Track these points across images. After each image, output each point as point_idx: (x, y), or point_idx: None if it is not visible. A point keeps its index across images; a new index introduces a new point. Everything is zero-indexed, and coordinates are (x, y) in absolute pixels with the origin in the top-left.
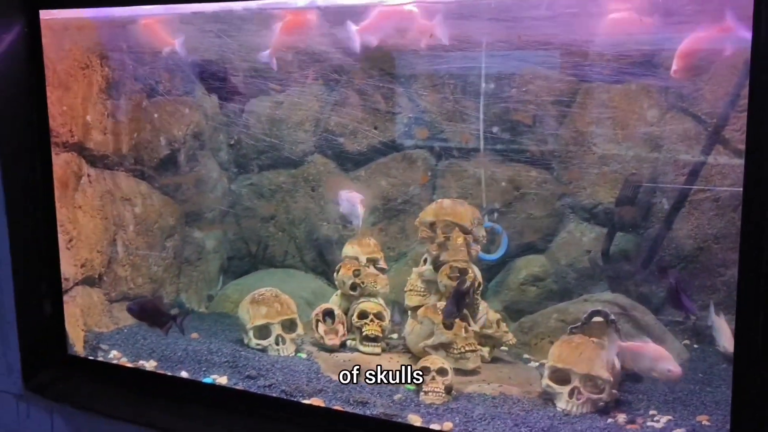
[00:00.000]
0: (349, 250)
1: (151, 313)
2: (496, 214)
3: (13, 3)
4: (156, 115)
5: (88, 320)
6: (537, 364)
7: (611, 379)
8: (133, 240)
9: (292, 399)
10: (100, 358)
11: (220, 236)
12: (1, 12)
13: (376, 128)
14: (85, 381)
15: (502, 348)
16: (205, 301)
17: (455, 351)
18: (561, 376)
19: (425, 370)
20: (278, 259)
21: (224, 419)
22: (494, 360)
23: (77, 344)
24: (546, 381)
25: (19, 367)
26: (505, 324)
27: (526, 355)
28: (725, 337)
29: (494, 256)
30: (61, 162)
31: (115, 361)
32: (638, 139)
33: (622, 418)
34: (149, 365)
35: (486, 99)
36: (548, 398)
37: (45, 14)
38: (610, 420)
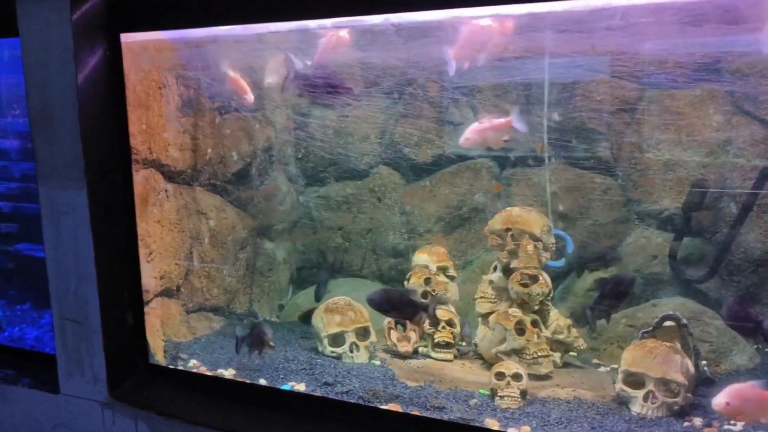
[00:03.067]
0: (419, 258)
1: (397, 304)
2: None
3: (95, 28)
4: (228, 131)
5: (167, 330)
6: (607, 368)
7: (686, 382)
8: (208, 252)
9: (370, 404)
10: (180, 367)
11: (290, 247)
12: (85, 37)
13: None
14: (166, 388)
15: (571, 354)
16: (276, 310)
17: (528, 356)
18: (635, 380)
19: (500, 376)
20: (347, 269)
21: (304, 425)
22: (565, 365)
23: (158, 354)
24: (620, 385)
25: (105, 376)
26: (575, 330)
27: (595, 360)
28: None
29: (560, 263)
30: (140, 178)
31: (194, 370)
32: (705, 144)
33: (698, 421)
34: (228, 373)
35: (551, 107)
36: (622, 402)
37: (125, 37)
38: (686, 423)
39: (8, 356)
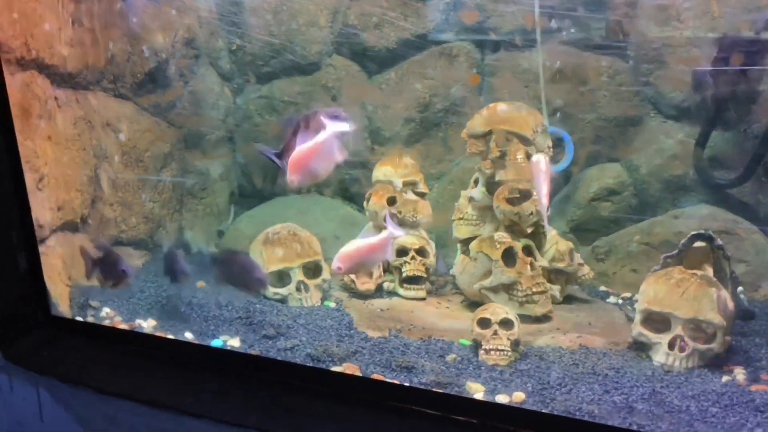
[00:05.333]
0: (381, 172)
1: None
2: (558, 115)
3: None
4: (135, 20)
5: (73, 273)
6: (618, 299)
7: (724, 322)
8: (121, 173)
9: (319, 366)
10: (90, 318)
11: (228, 162)
12: None
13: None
14: (73, 346)
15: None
16: (215, 238)
17: (520, 293)
18: (658, 322)
19: (485, 323)
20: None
21: (237, 392)
22: (567, 299)
23: (62, 303)
24: (638, 328)
25: None
26: (579, 255)
27: (603, 288)
28: None
29: (558, 167)
30: (17, 83)
31: (107, 321)
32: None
33: (741, 374)
34: (147, 325)
35: None
36: (641, 349)
37: None
38: (725, 378)
39: None
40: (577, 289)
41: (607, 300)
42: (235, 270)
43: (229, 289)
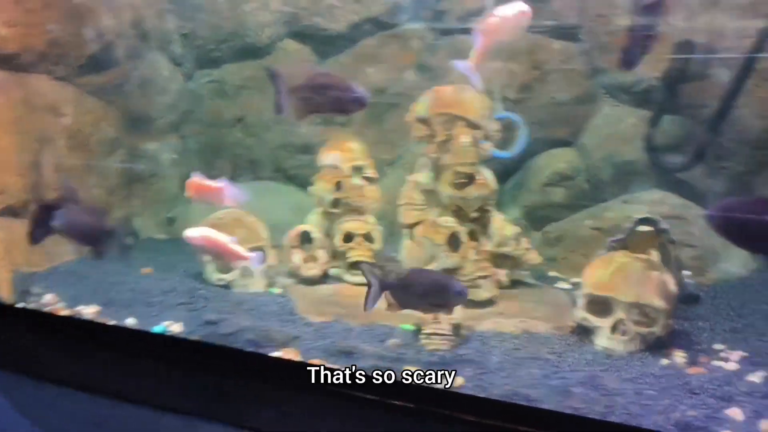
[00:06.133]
0: (328, 157)
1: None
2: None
3: None
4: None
5: (13, 258)
6: (568, 285)
7: (666, 306)
8: (65, 158)
9: (260, 351)
10: (32, 305)
11: (179, 146)
12: None
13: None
14: (14, 333)
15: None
16: (165, 225)
17: (464, 278)
18: (601, 306)
19: None
20: (249, 169)
21: (178, 378)
22: (514, 284)
23: (2, 288)
24: (582, 312)
25: None
26: (526, 239)
27: (553, 273)
28: None
29: (510, 152)
30: None
31: (49, 308)
32: None
33: (681, 357)
34: (89, 311)
35: None
36: (585, 334)
37: None
38: (665, 361)
39: None
40: (526, 275)
41: (556, 285)
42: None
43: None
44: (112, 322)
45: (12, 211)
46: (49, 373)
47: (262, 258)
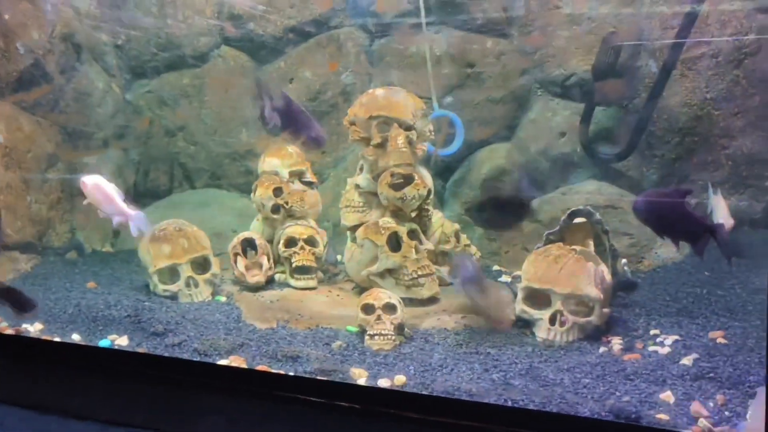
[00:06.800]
0: (268, 163)
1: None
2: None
3: None
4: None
5: None
6: (509, 278)
7: (601, 295)
8: (1, 176)
9: (206, 360)
10: None
11: (121, 158)
12: None
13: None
14: None
15: None
16: (110, 238)
17: (406, 277)
18: (539, 299)
19: (369, 309)
20: (193, 178)
21: (125, 391)
22: None
23: None
24: (520, 305)
25: None
26: (465, 236)
27: (496, 267)
28: (722, 216)
29: (450, 150)
30: None
31: None
32: None
33: (617, 344)
34: (33, 329)
35: None
36: (525, 326)
37: None
38: (602, 348)
39: None
40: None
41: (499, 279)
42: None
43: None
44: (56, 339)
45: None
46: None
47: (144, 221)
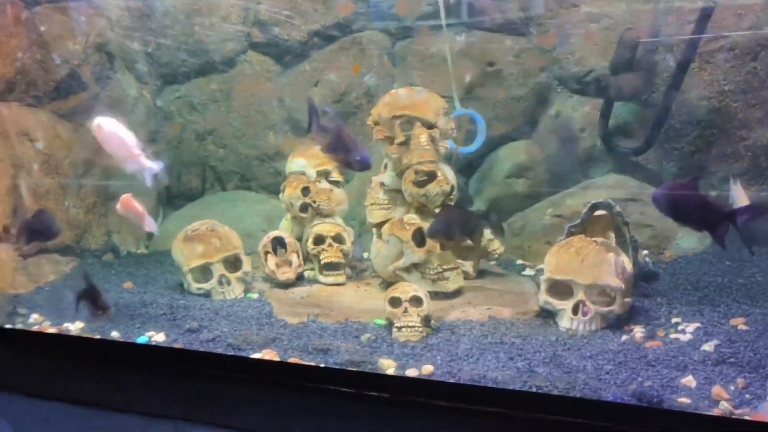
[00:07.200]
0: (295, 163)
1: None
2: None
3: None
4: (44, 28)
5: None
6: (534, 272)
7: (623, 285)
8: (41, 182)
9: (240, 354)
10: (19, 325)
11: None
12: None
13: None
14: (3, 354)
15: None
16: (144, 240)
17: (431, 271)
18: (561, 290)
19: (395, 302)
20: (224, 180)
21: (163, 385)
22: (481, 274)
23: None
24: (543, 296)
25: None
26: (489, 231)
27: (520, 261)
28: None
29: (472, 148)
30: None
31: (36, 327)
32: None
33: (639, 332)
34: (75, 328)
35: None
36: (548, 317)
37: None
38: (624, 337)
39: None
40: (493, 264)
41: (523, 273)
42: None
43: None
44: (97, 337)
45: None
46: (41, 390)
47: (161, 171)
